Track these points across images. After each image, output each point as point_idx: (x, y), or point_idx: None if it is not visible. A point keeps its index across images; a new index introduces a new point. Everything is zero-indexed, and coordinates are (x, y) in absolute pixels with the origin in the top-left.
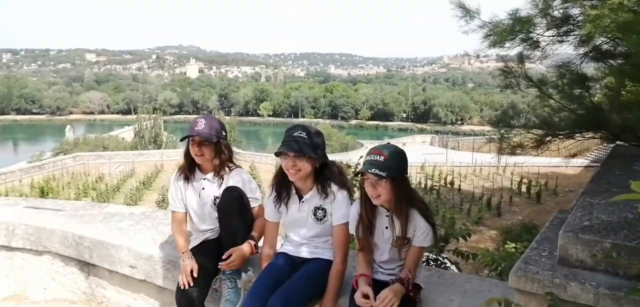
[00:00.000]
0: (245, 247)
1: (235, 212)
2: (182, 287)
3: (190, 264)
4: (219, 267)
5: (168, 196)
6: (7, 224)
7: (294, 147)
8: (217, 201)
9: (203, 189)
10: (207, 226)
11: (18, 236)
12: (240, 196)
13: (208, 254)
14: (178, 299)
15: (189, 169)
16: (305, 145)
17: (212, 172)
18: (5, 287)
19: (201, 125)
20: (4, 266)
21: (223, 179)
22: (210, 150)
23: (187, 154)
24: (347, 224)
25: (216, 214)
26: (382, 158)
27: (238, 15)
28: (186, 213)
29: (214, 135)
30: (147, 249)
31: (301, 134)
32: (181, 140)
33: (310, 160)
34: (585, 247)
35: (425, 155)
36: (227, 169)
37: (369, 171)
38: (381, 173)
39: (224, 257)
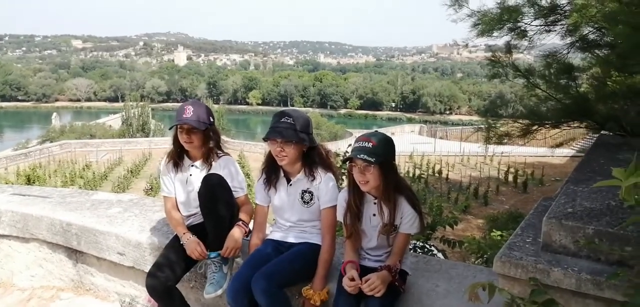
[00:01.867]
0: (236, 231)
1: (216, 199)
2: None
3: (195, 243)
4: (220, 253)
5: (160, 181)
6: None
7: (281, 133)
8: None
9: (190, 175)
10: (192, 211)
11: (4, 223)
12: (219, 182)
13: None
14: (148, 283)
15: (178, 156)
16: (292, 130)
17: (201, 159)
18: None
19: (189, 112)
20: None
21: (211, 166)
22: (199, 138)
23: (176, 141)
24: (334, 207)
25: None
26: (370, 144)
27: (227, 2)
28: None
29: (202, 123)
30: (136, 236)
31: (288, 119)
32: (170, 128)
33: (297, 145)
34: (568, 234)
35: (413, 144)
36: (216, 155)
37: (358, 156)
38: (369, 158)
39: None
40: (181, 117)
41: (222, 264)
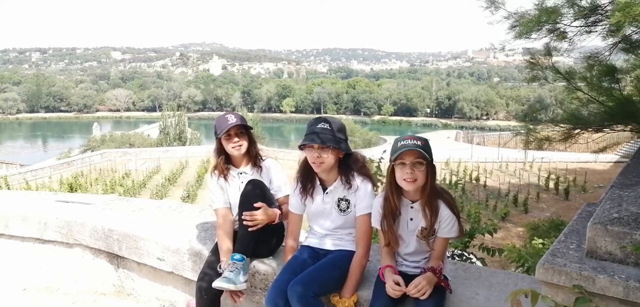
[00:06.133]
0: (273, 211)
1: (250, 204)
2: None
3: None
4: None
5: (208, 195)
6: (40, 217)
7: (318, 139)
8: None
9: (242, 183)
10: None
11: (50, 229)
12: (262, 188)
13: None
14: (197, 290)
15: (226, 166)
16: (328, 136)
17: (249, 164)
18: (38, 279)
19: (233, 118)
20: (37, 258)
21: (262, 169)
22: (247, 139)
23: (220, 151)
24: (370, 215)
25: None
26: (420, 143)
27: (260, 12)
28: (229, 209)
29: (245, 126)
30: (175, 242)
31: (324, 125)
32: (217, 136)
33: (333, 151)
34: (614, 240)
35: (450, 150)
36: (260, 159)
37: (415, 149)
38: (425, 154)
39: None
40: (228, 123)
41: (241, 270)
